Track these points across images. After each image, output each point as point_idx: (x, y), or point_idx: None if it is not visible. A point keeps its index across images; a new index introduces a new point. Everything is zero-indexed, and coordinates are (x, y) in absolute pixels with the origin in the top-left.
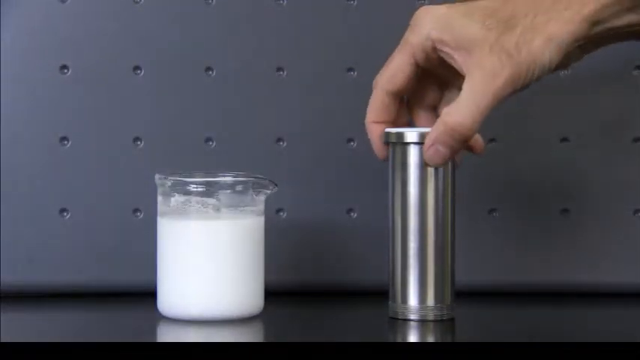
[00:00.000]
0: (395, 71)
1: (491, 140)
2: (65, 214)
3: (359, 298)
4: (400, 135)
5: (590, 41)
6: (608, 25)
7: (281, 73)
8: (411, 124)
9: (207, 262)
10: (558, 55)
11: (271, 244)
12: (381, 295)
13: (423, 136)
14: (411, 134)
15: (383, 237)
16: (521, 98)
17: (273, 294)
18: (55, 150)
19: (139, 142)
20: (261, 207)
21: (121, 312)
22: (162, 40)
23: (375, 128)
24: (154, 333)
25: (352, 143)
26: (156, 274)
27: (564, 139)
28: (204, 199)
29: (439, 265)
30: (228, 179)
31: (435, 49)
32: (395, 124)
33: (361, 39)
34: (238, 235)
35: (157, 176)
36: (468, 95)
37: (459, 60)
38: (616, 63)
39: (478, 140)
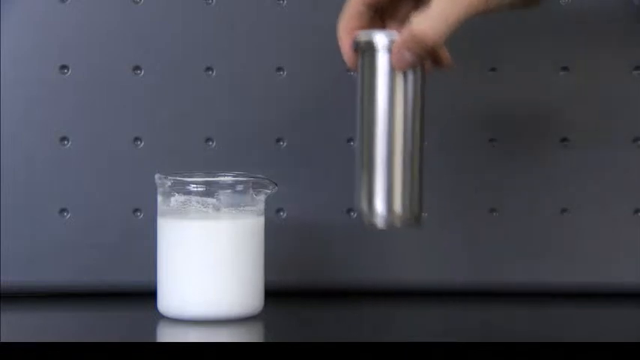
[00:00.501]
0: None
1: (492, 140)
2: (65, 214)
3: (359, 298)
4: (369, 42)
5: None
6: None
7: (281, 73)
8: None
9: (207, 262)
10: None
11: (271, 244)
12: (382, 295)
13: (392, 42)
14: (380, 38)
15: (383, 237)
16: (521, 98)
17: (273, 294)
18: (55, 150)
19: (139, 142)
20: (261, 207)
21: (121, 312)
22: (162, 40)
23: (346, 35)
24: (154, 333)
25: (352, 143)
26: (156, 274)
27: (564, 139)
28: (204, 199)
29: (407, 172)
30: (228, 179)
31: None
32: None
33: None
34: (238, 235)
35: (156, 176)
36: (437, 6)
37: None
38: (616, 63)
39: (445, 55)
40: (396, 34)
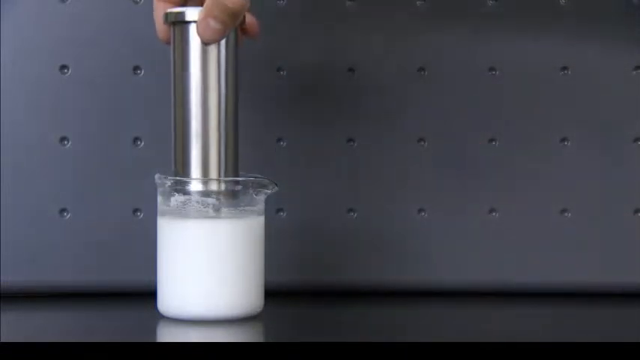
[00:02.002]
0: None
1: (491, 140)
2: (65, 214)
3: (359, 298)
4: (180, 14)
5: None
6: None
7: (281, 73)
8: None
9: (207, 262)
10: None
11: (271, 244)
12: (382, 295)
13: None
14: (190, 12)
15: (383, 237)
16: (521, 98)
17: (273, 294)
18: (55, 150)
19: (139, 142)
20: (261, 207)
21: (121, 312)
22: None
23: (160, 7)
24: (153, 333)
25: (352, 143)
26: (156, 274)
27: (564, 139)
28: (204, 199)
29: (222, 142)
30: (228, 179)
31: None
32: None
33: (361, 39)
34: (238, 235)
35: (156, 176)
36: None
37: None
38: (616, 63)
39: (253, 23)
40: None
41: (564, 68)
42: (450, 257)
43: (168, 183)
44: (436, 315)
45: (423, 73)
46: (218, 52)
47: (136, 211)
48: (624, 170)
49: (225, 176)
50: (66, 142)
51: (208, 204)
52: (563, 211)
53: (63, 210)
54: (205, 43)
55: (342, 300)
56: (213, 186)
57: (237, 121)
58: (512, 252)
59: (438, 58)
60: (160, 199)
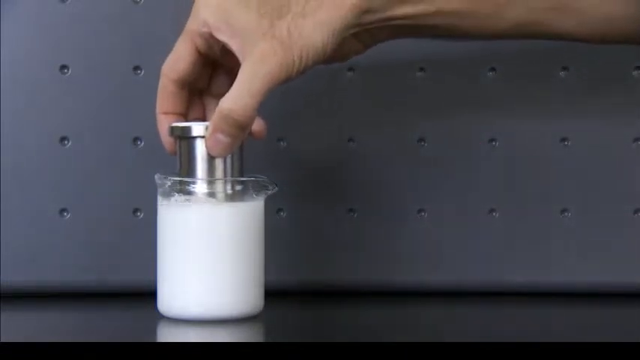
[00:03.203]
0: (177, 59)
1: (491, 140)
2: (65, 214)
3: (359, 298)
4: (185, 129)
5: (365, 30)
6: (381, 14)
7: None
8: (206, 118)
9: (206, 262)
10: (330, 39)
11: (271, 244)
12: (382, 295)
13: (207, 128)
14: (196, 128)
15: (383, 237)
16: (521, 98)
17: (273, 294)
18: (55, 150)
19: (139, 142)
20: (261, 207)
21: (121, 312)
22: (162, 40)
23: (164, 120)
24: (154, 333)
25: (352, 143)
26: (156, 274)
27: (564, 139)
28: (204, 199)
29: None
30: (229, 179)
31: (212, 36)
32: (187, 117)
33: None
34: (238, 235)
35: (156, 176)
36: (239, 81)
37: (235, 48)
38: (616, 63)
39: (260, 128)
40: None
41: (564, 68)
42: (450, 257)
43: (169, 183)
44: (436, 315)
45: (422, 73)
46: (224, 162)
47: (136, 211)
48: (624, 170)
49: (231, 177)
50: (66, 142)
51: (208, 205)
52: (563, 211)
53: (63, 210)
54: (215, 156)
55: (342, 300)
56: (214, 186)
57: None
58: (512, 252)
59: (438, 58)
60: (160, 199)
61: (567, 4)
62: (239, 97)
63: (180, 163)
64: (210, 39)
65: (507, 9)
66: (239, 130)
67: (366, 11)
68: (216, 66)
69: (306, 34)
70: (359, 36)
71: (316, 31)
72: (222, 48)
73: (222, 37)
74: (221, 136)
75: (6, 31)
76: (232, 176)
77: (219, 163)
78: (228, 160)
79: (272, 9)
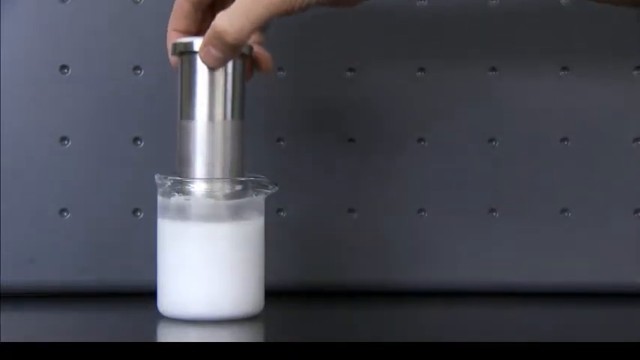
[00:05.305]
0: None
1: (491, 140)
2: (65, 214)
3: (359, 298)
4: (187, 44)
5: None
6: None
7: (281, 72)
8: None
9: (207, 262)
10: None
11: (271, 244)
12: (382, 295)
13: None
14: (197, 42)
15: (383, 237)
16: (521, 98)
17: (273, 294)
18: (55, 150)
19: (139, 142)
20: (261, 207)
21: (121, 312)
22: (162, 40)
23: (173, 36)
24: (154, 333)
25: (353, 143)
26: (156, 274)
27: (564, 139)
28: (204, 199)
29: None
30: (228, 179)
31: None
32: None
33: (360, 39)
34: (238, 236)
35: (156, 176)
36: (239, 3)
37: None
38: (616, 63)
39: (264, 56)
40: None
41: (564, 68)
42: (450, 257)
43: (169, 183)
44: (436, 315)
45: (422, 73)
46: (225, 79)
47: (136, 211)
48: (624, 170)
49: (229, 177)
50: (66, 142)
51: (208, 205)
52: (563, 211)
53: (63, 210)
54: (210, 68)
55: (342, 300)
56: (214, 186)
57: (244, 143)
58: (512, 252)
59: (438, 59)
60: (160, 199)
61: None
62: (236, 19)
63: (181, 77)
64: None
65: None
66: (230, 48)
67: None
68: None
69: None
70: None
71: None
72: None
73: None
74: (213, 50)
75: (6, 31)
76: (232, 176)
77: (219, 78)
78: (229, 79)
79: None
